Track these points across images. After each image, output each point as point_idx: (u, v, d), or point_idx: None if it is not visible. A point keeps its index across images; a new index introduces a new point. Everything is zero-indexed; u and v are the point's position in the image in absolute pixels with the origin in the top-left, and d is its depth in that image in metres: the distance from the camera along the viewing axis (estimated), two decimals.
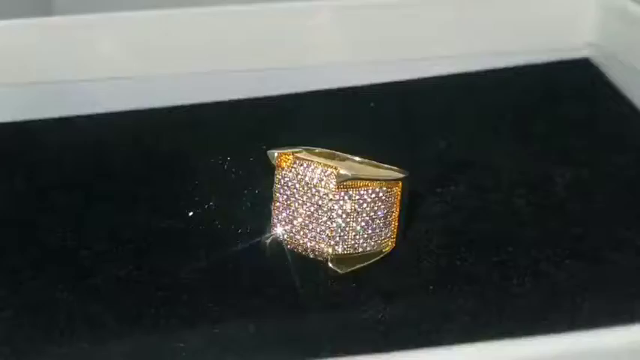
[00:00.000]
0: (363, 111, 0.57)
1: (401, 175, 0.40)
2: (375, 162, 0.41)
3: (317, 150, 0.42)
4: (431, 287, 0.39)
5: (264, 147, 0.42)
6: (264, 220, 0.43)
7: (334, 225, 0.39)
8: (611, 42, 0.61)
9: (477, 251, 0.41)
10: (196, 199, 0.46)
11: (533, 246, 0.42)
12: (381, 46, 0.61)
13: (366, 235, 0.40)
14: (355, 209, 0.39)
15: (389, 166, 0.41)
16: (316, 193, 0.39)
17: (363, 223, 0.39)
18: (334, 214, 0.39)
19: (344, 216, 0.39)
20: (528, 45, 0.62)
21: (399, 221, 0.41)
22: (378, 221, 0.40)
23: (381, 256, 0.40)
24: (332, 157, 0.41)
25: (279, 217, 0.41)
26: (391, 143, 0.53)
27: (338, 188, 0.39)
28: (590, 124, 0.55)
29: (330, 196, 0.39)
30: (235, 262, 0.41)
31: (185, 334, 0.37)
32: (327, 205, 0.39)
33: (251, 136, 0.53)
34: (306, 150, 0.42)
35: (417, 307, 0.38)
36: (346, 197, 0.39)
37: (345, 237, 0.39)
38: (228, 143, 0.53)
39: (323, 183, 0.39)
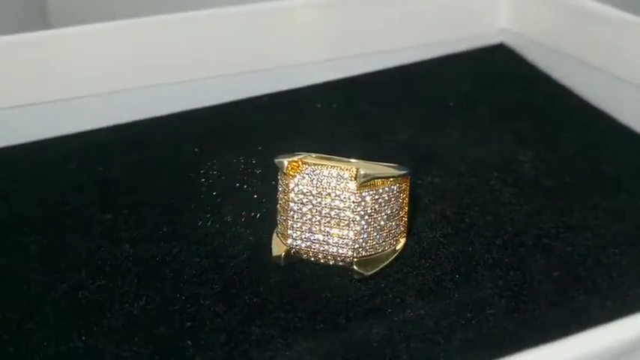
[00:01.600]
0: (310, 112, 0.57)
1: (408, 171, 0.40)
2: (372, 161, 0.41)
3: (313, 155, 0.41)
4: (456, 276, 0.39)
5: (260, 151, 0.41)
6: (266, 232, 0.42)
7: (357, 227, 0.39)
8: (523, 26, 0.65)
9: (481, 236, 0.43)
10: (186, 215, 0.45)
11: (529, 224, 0.43)
12: (314, 48, 0.61)
13: (384, 234, 0.40)
14: (375, 209, 0.39)
15: (388, 164, 0.41)
16: (336, 197, 0.39)
17: (382, 222, 0.39)
18: (357, 216, 0.38)
19: (366, 217, 0.39)
20: (447, 36, 0.65)
21: (408, 217, 0.41)
22: (393, 218, 0.40)
23: (397, 253, 0.41)
24: (335, 160, 0.41)
25: (295, 226, 0.39)
26: (351, 141, 0.53)
27: (359, 189, 0.38)
28: (528, 105, 0.58)
29: (353, 199, 0.38)
30: (250, 279, 0.40)
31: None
32: (348, 208, 0.38)
33: (216, 146, 0.52)
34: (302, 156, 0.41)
35: (453, 299, 0.38)
36: (367, 197, 0.39)
37: (367, 237, 0.39)
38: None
39: (341, 185, 0.39)
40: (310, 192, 0.39)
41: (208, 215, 0.45)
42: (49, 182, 0.49)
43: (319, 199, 0.39)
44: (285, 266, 0.40)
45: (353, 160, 0.40)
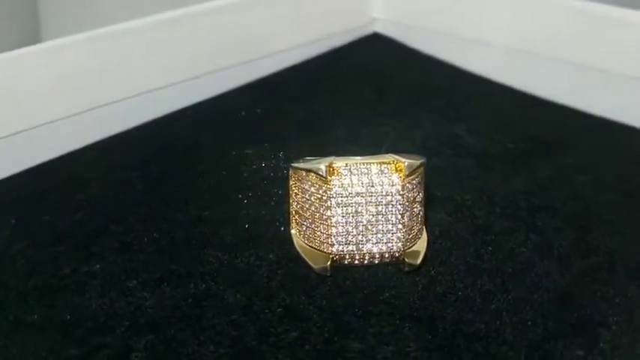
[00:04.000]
0: (235, 117, 0.55)
1: (423, 159, 0.41)
2: (385, 153, 0.41)
3: (328, 158, 0.40)
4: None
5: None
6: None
7: (404, 219, 0.38)
8: (394, 13, 0.69)
9: (474, 216, 0.44)
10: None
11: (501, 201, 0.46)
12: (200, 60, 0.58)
13: (419, 221, 0.40)
14: (414, 198, 0.39)
15: (405, 154, 0.41)
16: (381, 193, 0.38)
17: (417, 210, 0.39)
18: (403, 208, 0.38)
19: (409, 207, 0.39)
20: (324, 31, 0.66)
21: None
22: (422, 205, 0.40)
23: (426, 239, 0.41)
24: (361, 157, 0.40)
25: (339, 232, 0.38)
26: (290, 142, 0.52)
27: (404, 180, 0.38)
28: (433, 87, 0.61)
29: (398, 191, 0.38)
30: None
31: None
32: (396, 201, 0.38)
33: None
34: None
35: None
36: (409, 187, 0.38)
37: (411, 228, 0.39)
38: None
39: (385, 180, 0.38)
40: (355, 193, 0.38)
41: None
42: None
43: (364, 198, 0.38)
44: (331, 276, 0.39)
45: (379, 155, 0.40)
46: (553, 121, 0.56)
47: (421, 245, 0.40)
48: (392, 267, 0.39)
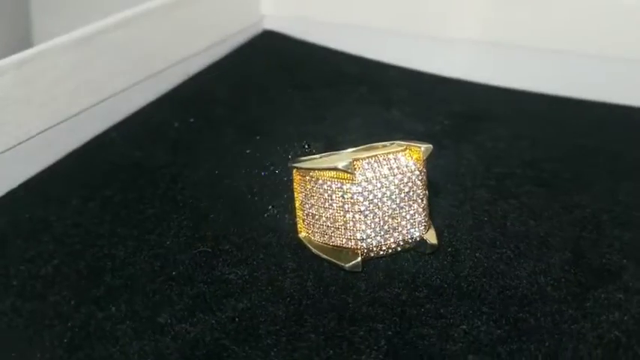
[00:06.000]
0: (173, 129, 0.52)
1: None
2: (384, 142, 0.41)
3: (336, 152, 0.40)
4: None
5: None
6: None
7: (424, 203, 0.39)
8: (282, 8, 0.69)
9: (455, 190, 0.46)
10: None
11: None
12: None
13: (428, 203, 0.41)
14: (426, 182, 0.40)
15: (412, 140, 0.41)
16: (401, 182, 0.38)
17: (427, 193, 0.40)
18: (421, 192, 0.39)
19: (425, 191, 0.39)
20: (219, 34, 0.64)
21: None
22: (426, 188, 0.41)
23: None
24: (371, 149, 0.40)
25: (365, 226, 0.38)
26: (235, 148, 0.51)
27: (421, 165, 0.39)
28: (347, 77, 0.62)
29: (416, 177, 0.38)
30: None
31: None
32: (415, 187, 0.38)
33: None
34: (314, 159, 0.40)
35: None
36: (423, 172, 0.39)
37: (428, 210, 0.40)
38: None
39: (403, 168, 0.38)
40: (379, 185, 0.38)
41: None
42: None
43: (388, 189, 0.38)
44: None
45: (384, 144, 0.40)
46: (471, 97, 0.59)
47: (430, 225, 0.41)
48: (412, 252, 0.40)
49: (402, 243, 0.39)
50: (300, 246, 0.40)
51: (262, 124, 0.53)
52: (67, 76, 0.49)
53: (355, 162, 0.38)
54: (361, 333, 0.34)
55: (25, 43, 0.69)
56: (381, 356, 0.33)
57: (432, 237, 0.40)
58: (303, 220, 0.40)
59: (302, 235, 0.41)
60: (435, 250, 0.40)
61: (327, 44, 0.67)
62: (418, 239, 0.39)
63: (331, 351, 0.33)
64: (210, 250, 0.40)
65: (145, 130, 0.52)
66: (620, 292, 0.37)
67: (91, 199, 0.44)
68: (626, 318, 0.35)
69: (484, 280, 0.38)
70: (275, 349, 0.33)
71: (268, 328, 0.35)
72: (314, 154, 0.40)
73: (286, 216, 0.43)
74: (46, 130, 0.48)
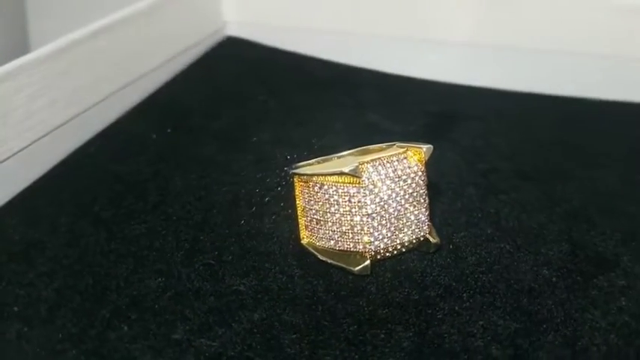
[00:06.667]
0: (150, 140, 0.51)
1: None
2: (383, 143, 0.42)
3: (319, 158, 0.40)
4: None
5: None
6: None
7: (426, 203, 0.39)
8: (244, 14, 0.68)
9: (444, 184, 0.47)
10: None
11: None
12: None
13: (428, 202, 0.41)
14: (426, 182, 0.40)
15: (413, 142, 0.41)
16: (405, 183, 0.38)
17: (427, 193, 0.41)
18: (424, 192, 0.39)
19: (427, 191, 0.40)
20: (183, 44, 0.63)
21: None
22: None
23: None
24: (372, 152, 0.40)
25: (374, 226, 0.38)
26: (220, 158, 0.50)
27: (423, 165, 0.39)
28: (319, 81, 0.62)
29: (420, 177, 0.39)
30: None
31: None
32: (419, 187, 0.39)
33: None
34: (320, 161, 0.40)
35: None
36: (424, 172, 0.39)
37: (429, 208, 0.40)
38: None
39: (406, 170, 0.39)
40: (385, 187, 0.38)
41: None
42: None
43: (393, 191, 0.38)
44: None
45: (381, 146, 0.40)
46: (442, 97, 0.60)
47: (430, 226, 0.42)
48: (416, 252, 0.40)
49: (407, 243, 0.39)
50: (303, 252, 0.40)
51: (241, 132, 0.53)
52: (40, 93, 0.48)
53: (360, 165, 0.38)
54: (382, 336, 0.34)
55: (22, 47, 0.67)
56: (406, 357, 0.33)
57: (434, 236, 0.40)
58: (306, 227, 0.40)
59: (305, 241, 0.40)
60: (438, 248, 0.40)
61: (292, 49, 0.67)
62: (422, 239, 0.40)
63: (356, 356, 0.33)
64: (213, 262, 0.39)
65: (123, 142, 0.51)
66: (621, 278, 0.38)
67: (80, 217, 0.43)
68: (631, 304, 0.36)
69: (490, 275, 0.39)
70: (301, 358, 0.33)
71: (289, 337, 0.34)
72: (299, 161, 0.40)
73: (283, 223, 0.43)
74: (25, 148, 0.46)
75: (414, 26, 0.63)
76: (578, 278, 0.38)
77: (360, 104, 0.58)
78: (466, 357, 0.33)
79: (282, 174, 0.46)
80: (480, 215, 0.44)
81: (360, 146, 0.41)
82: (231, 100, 0.58)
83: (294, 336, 0.34)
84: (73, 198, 0.45)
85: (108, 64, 0.54)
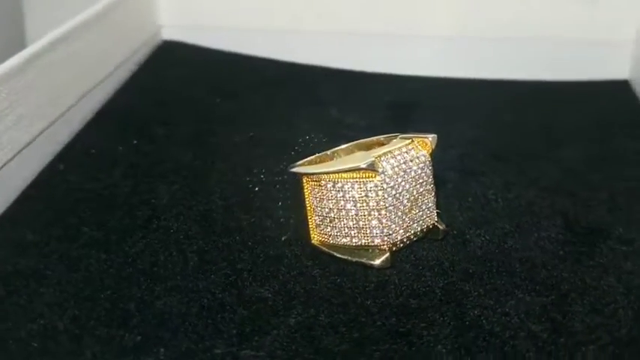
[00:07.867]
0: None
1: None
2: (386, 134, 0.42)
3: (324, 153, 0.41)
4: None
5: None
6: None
7: (434, 191, 0.40)
8: (178, 17, 0.66)
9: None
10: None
11: None
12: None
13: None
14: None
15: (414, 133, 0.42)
16: (417, 173, 0.39)
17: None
18: (432, 180, 0.40)
19: (433, 179, 0.40)
20: (122, 53, 0.61)
21: None
22: None
23: None
24: (358, 149, 0.40)
25: (390, 219, 0.38)
26: (197, 166, 0.49)
27: (430, 155, 0.40)
28: (263, 81, 0.61)
29: (428, 167, 0.39)
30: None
31: None
32: (428, 175, 0.39)
33: None
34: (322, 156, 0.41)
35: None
36: (432, 160, 0.40)
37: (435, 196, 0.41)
38: None
39: (415, 160, 0.39)
40: (399, 179, 0.38)
41: None
42: None
43: (406, 182, 0.38)
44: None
45: (385, 137, 0.41)
46: (398, 88, 0.61)
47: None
48: (425, 240, 0.41)
49: (419, 232, 0.40)
50: (314, 252, 0.40)
51: (211, 137, 0.51)
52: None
53: (376, 159, 0.38)
54: (423, 325, 0.35)
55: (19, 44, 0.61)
56: (453, 343, 0.34)
57: (440, 223, 0.41)
58: (317, 226, 0.40)
59: (316, 240, 0.40)
60: (445, 234, 0.41)
61: (232, 50, 0.66)
62: (431, 226, 0.41)
63: (405, 347, 0.34)
64: (229, 272, 0.38)
65: (90, 158, 0.48)
66: (620, 244, 0.40)
67: (71, 240, 0.40)
68: (637, 267, 0.39)
69: (501, 256, 0.40)
70: (351, 356, 0.33)
71: (332, 337, 0.34)
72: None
73: (285, 224, 0.42)
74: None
75: (363, 21, 0.64)
76: (582, 249, 0.40)
77: (319, 101, 0.58)
78: (509, 335, 0.34)
79: (269, 175, 0.46)
80: (470, 199, 0.45)
81: (350, 142, 0.42)
82: (188, 105, 0.56)
83: (337, 335, 0.34)
84: (56, 221, 0.42)
85: (55, 85, 0.51)
